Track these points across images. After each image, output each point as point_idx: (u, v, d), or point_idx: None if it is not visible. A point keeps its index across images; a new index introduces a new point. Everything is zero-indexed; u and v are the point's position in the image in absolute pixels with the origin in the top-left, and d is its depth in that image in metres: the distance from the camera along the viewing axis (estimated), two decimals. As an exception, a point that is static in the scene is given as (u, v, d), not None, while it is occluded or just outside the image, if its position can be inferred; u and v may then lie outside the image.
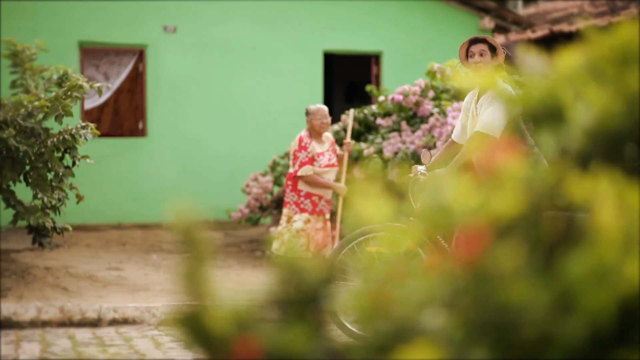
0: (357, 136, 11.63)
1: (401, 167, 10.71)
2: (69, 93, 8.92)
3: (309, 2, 15.64)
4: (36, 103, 8.96)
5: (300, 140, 9.05)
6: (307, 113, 9.14)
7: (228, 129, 15.14)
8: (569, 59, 1.80)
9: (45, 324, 7.82)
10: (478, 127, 6.81)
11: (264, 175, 12.45)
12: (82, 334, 7.38)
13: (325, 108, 9.19)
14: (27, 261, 10.09)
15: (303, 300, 1.61)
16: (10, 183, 9.50)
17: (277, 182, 12.24)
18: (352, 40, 15.96)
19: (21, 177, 9.46)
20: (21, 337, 6.83)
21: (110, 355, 6.42)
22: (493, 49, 7.08)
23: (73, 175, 8.91)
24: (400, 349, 1.55)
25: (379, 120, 11.56)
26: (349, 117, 10.07)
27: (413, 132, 11.05)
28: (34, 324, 7.71)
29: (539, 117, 1.85)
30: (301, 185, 9.02)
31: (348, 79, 20.20)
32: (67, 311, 7.96)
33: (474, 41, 7.08)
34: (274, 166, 12.43)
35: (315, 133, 9.12)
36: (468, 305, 1.54)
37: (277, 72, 15.55)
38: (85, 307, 8.10)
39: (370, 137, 11.62)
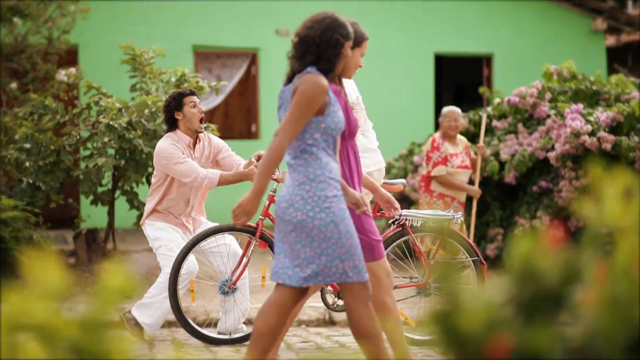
0: (472, 138, 11.54)
1: (519, 169, 10.60)
2: (189, 94, 9.03)
3: (420, 4, 15.60)
4: (159, 104, 9.10)
5: (433, 140, 9.04)
6: (440, 114, 9.17)
7: (339, 132, 15.16)
8: None
9: (171, 324, 7.91)
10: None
11: (378, 177, 12.42)
12: (210, 334, 7.44)
13: (457, 111, 9.14)
14: (147, 262, 10.23)
15: (546, 301, 1.60)
16: (134, 184, 9.67)
17: (391, 184, 12.20)
18: (463, 43, 15.88)
19: (144, 179, 9.62)
20: (151, 337, 6.90)
21: (245, 355, 6.45)
22: None
23: (193, 177, 9.01)
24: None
25: (495, 123, 11.46)
26: (482, 121, 9.94)
27: (530, 134, 10.93)
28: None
29: None
30: (434, 186, 8.99)
31: (455, 81, 20.08)
32: (192, 312, 8.05)
33: None
34: (388, 168, 12.40)
35: (446, 134, 9.09)
36: None
37: (388, 74, 15.53)
38: (209, 307, 8.19)
39: (487, 139, 11.53)
